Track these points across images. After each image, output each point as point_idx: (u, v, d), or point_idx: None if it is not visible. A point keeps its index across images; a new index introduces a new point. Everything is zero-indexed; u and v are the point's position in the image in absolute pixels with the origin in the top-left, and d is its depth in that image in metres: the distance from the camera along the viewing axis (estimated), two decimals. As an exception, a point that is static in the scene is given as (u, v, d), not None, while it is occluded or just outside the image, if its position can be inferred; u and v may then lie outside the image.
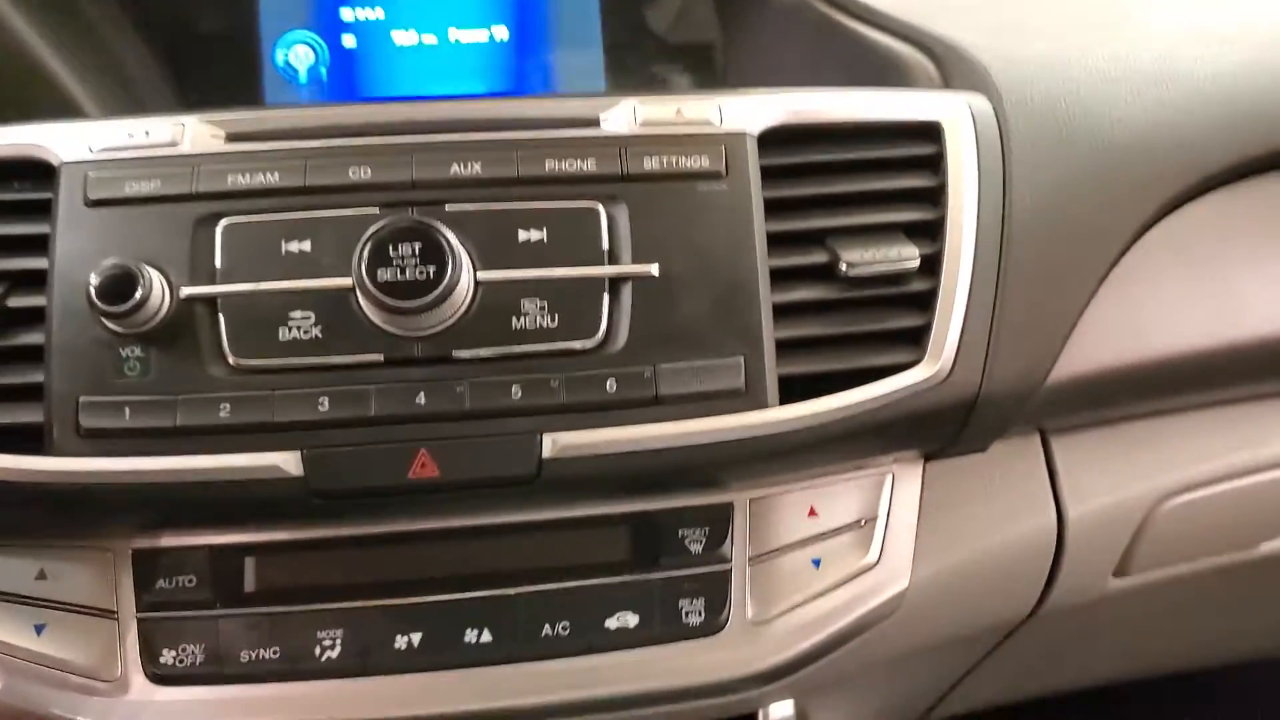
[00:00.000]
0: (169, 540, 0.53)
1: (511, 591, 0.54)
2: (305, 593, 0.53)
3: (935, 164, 0.55)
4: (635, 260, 0.51)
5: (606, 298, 0.51)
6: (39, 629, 0.52)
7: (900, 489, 0.60)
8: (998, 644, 0.69)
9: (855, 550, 0.58)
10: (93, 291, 0.46)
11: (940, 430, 0.56)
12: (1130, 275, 0.61)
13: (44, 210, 0.50)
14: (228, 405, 0.48)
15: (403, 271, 0.47)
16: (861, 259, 0.53)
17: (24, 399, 0.49)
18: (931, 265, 0.54)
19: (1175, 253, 0.63)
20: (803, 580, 0.57)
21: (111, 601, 0.52)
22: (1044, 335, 0.58)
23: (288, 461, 0.48)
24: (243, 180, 0.51)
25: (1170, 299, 0.62)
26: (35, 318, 0.49)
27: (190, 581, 0.53)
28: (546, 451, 0.49)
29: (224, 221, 0.50)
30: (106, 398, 0.48)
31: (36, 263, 0.50)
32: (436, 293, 0.47)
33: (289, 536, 0.54)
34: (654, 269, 0.51)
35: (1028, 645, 0.70)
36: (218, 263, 0.50)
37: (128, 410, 0.48)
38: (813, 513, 0.58)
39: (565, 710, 0.54)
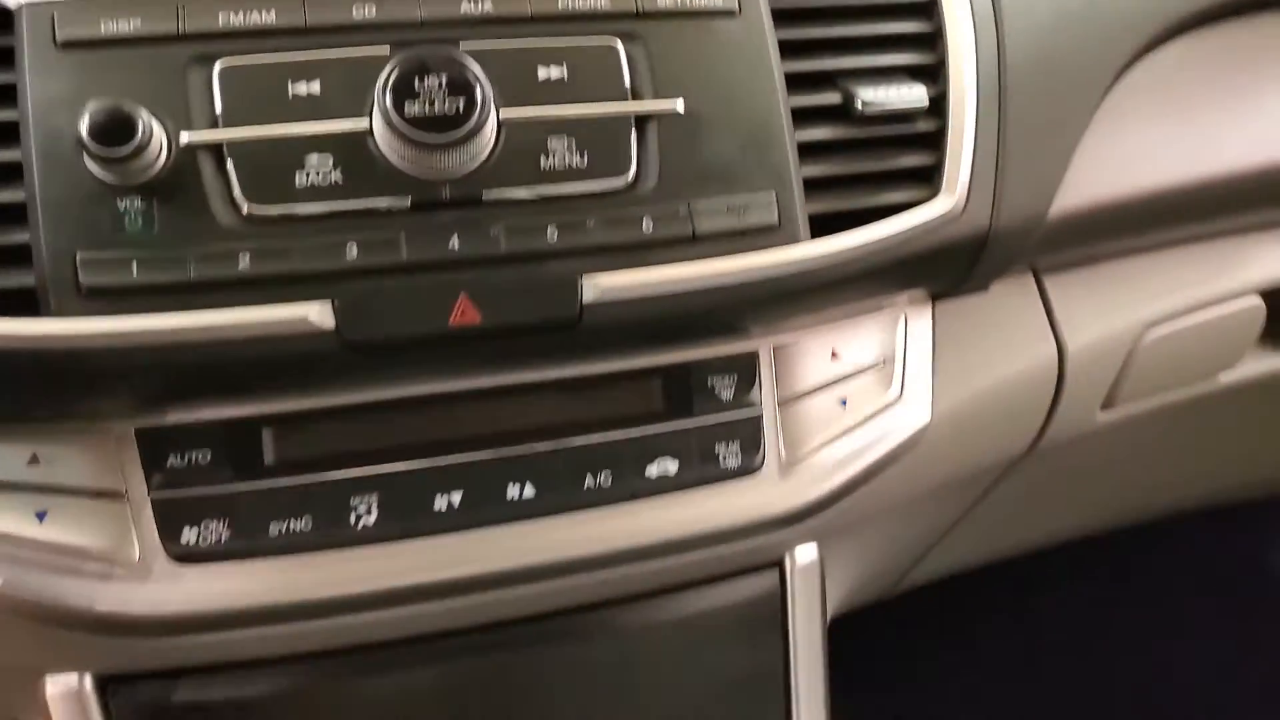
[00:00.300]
0: (175, 418, 0.49)
1: (551, 445, 0.52)
2: (332, 460, 0.50)
3: (930, 9, 0.56)
4: (658, 97, 0.50)
5: (634, 135, 0.49)
6: (40, 516, 0.47)
7: (914, 329, 0.60)
8: (987, 490, 0.72)
9: (878, 388, 0.59)
10: (84, 133, 0.41)
11: (955, 265, 0.57)
12: (1113, 115, 0.63)
13: (6, 59, 0.45)
14: (247, 255, 0.44)
15: (431, 105, 0.44)
16: (875, 97, 0.53)
17: (11, 263, 0.44)
18: (938, 105, 0.54)
19: (1151, 94, 0.65)
20: (831, 420, 0.57)
21: (118, 483, 0.48)
22: (1044, 170, 0.59)
23: (317, 313, 0.45)
24: (235, 19, 0.46)
25: (1151, 138, 0.64)
26: (12, 174, 0.44)
27: (204, 457, 0.49)
28: (587, 295, 0.48)
29: (220, 64, 0.45)
30: (109, 253, 0.43)
31: (4, 115, 0.44)
32: (470, 125, 0.44)
33: (310, 405, 0.50)
34: (679, 105, 0.49)
35: (1012, 492, 0.74)
36: (218, 108, 0.45)
37: (135, 265, 0.44)
38: (835, 356, 0.58)
39: (608, 561, 0.53)
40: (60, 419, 0.48)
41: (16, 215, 0.44)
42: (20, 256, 0.44)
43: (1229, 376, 0.75)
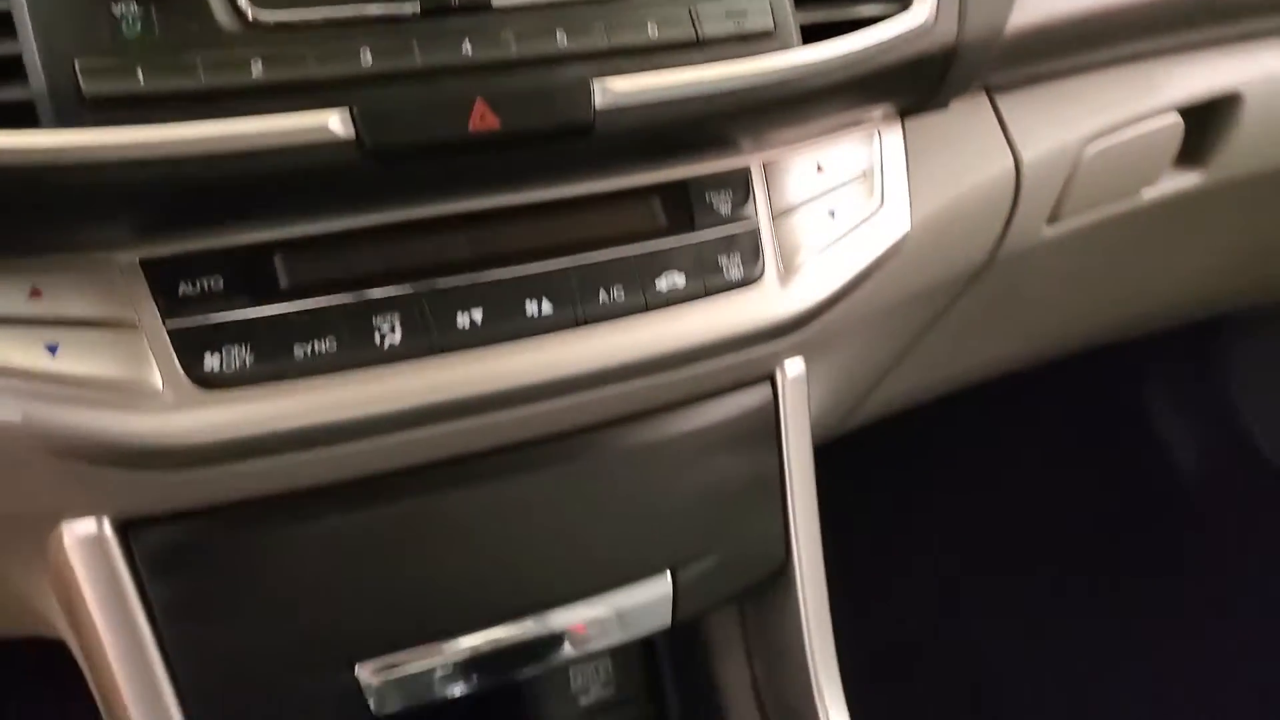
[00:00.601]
0: (183, 246, 0.47)
1: (565, 262, 0.53)
2: (351, 283, 0.49)
3: None
4: None
5: None
6: (52, 349, 0.45)
7: (888, 143, 0.63)
8: (945, 309, 0.76)
9: (862, 199, 0.61)
10: None
11: (927, 77, 0.59)
12: None
13: None
14: (259, 62, 0.43)
15: None
16: None
17: (2, 76, 0.41)
18: None
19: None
20: (822, 230, 0.59)
21: (129, 313, 0.46)
22: None
23: (337, 121, 0.44)
24: None
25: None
26: None
27: (217, 283, 0.48)
28: (599, 99, 0.48)
29: None
30: (110, 60, 0.41)
31: None
32: None
33: (323, 229, 0.49)
34: None
35: (965, 313, 0.78)
36: None
37: (141, 71, 0.41)
38: (820, 170, 0.60)
39: (624, 373, 0.55)
40: (59, 249, 0.46)
41: (3, 24, 0.41)
42: (11, 70, 0.41)
43: (1151, 193, 0.81)
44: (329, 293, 0.49)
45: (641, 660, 0.78)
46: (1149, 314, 1.09)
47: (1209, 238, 0.97)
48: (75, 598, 0.52)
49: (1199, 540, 1.62)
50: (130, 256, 0.47)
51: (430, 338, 0.50)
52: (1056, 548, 1.58)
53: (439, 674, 0.58)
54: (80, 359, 0.46)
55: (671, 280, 0.55)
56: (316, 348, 0.49)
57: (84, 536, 0.51)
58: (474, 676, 0.60)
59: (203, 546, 0.53)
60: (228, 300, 0.48)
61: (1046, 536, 1.58)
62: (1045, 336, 0.99)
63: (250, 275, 0.48)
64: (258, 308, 0.48)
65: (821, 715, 0.68)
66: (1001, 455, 1.61)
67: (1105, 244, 0.85)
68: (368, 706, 0.58)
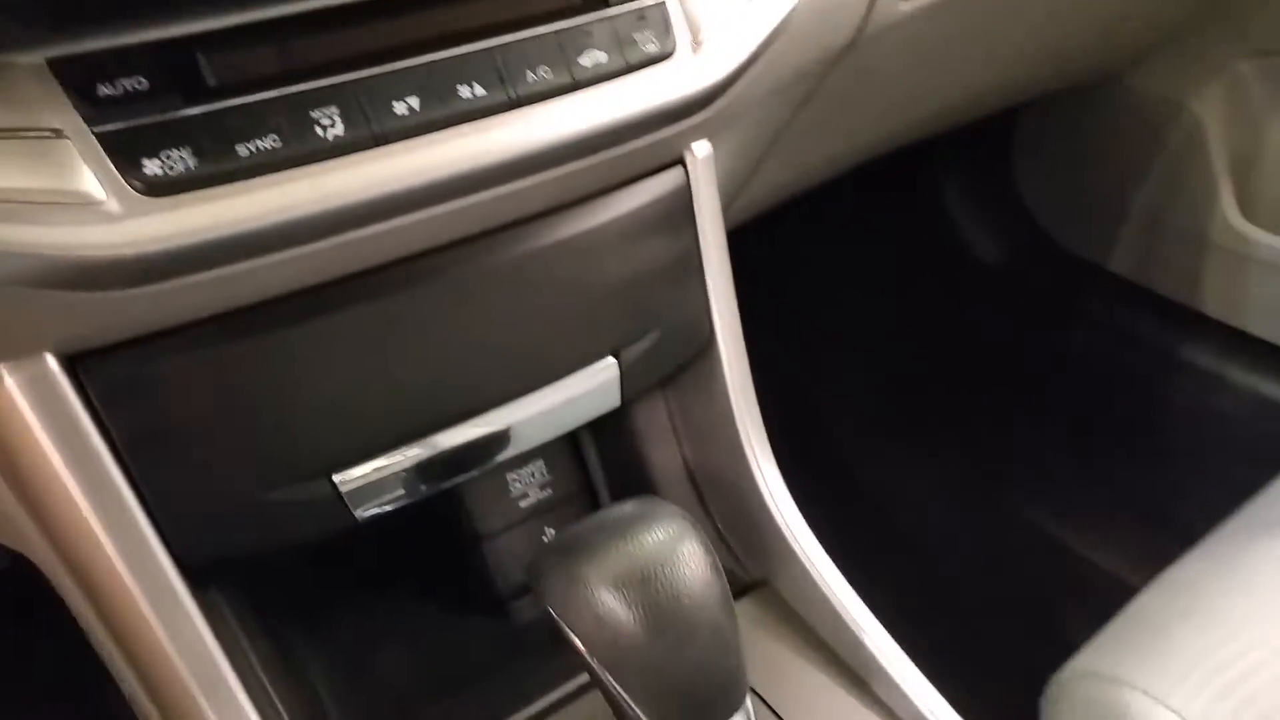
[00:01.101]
0: (89, 44, 0.44)
1: (491, 42, 0.53)
2: (282, 76, 0.47)
3: None
4: None
5: None
6: None
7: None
8: (813, 90, 0.81)
9: None
10: None
11: None
12: None
13: None
14: None
15: None
16: None
17: None
18: None
19: None
20: (723, 4, 0.61)
21: (47, 118, 0.43)
22: None
23: None
24: None
25: None
26: None
27: (140, 83, 0.45)
28: None
29: None
30: None
31: None
32: None
33: (241, 19, 0.47)
34: None
35: (829, 93, 0.83)
36: None
37: None
38: (713, -55, 0.62)
39: (559, 154, 0.55)
40: None
41: None
42: None
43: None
44: (261, 89, 0.47)
45: (574, 461, 0.81)
46: (972, 100, 1.18)
47: (1025, 27, 1.05)
48: (28, 452, 0.49)
49: (1006, 326, 1.83)
50: (33, 58, 0.43)
51: (371, 127, 0.49)
52: (885, 338, 1.81)
53: (411, 473, 0.60)
54: (9, 173, 0.42)
55: (594, 57, 0.56)
56: (259, 145, 0.47)
57: (29, 378, 0.48)
58: (453, 469, 0.62)
59: (158, 373, 0.51)
60: (154, 102, 0.45)
61: (873, 329, 1.83)
62: (888, 125, 1.06)
63: (174, 73, 0.45)
64: (189, 108, 0.45)
65: (758, 479, 0.74)
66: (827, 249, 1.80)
67: (944, 29, 0.91)
68: (347, 512, 0.58)
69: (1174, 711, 0.68)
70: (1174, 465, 1.53)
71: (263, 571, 0.63)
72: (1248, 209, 1.41)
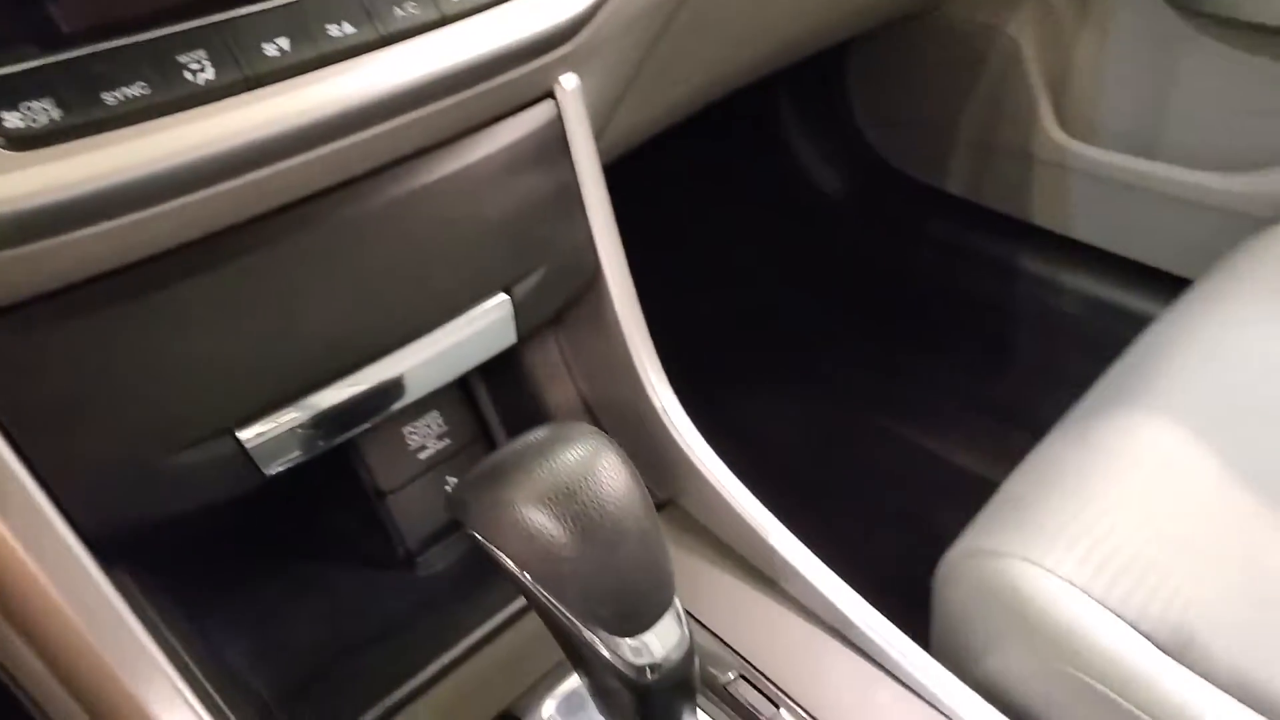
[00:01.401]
0: None
1: None
2: (141, 21, 0.46)
3: None
4: None
5: None
6: None
7: None
8: (659, 34, 0.82)
9: None
10: None
11: None
12: None
13: None
14: None
15: None
16: None
17: None
18: None
19: None
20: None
21: None
22: None
23: None
24: None
25: None
26: None
27: None
28: None
29: None
30: None
31: None
32: None
33: None
34: None
35: (686, 25, 0.85)
36: None
37: None
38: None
39: (428, 92, 0.55)
40: None
41: None
42: None
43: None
44: (122, 34, 0.45)
45: (468, 409, 0.81)
46: (814, 32, 1.22)
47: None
48: None
49: (853, 252, 1.92)
50: None
51: (242, 70, 0.48)
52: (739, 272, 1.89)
53: (315, 423, 0.59)
54: None
55: None
56: (127, 93, 0.45)
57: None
58: (361, 414, 0.61)
59: (40, 340, 0.48)
60: (7, 52, 0.42)
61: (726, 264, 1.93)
62: (741, 56, 1.09)
63: (24, 21, 0.43)
64: (44, 57, 0.43)
65: (656, 404, 0.76)
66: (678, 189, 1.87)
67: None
68: (255, 469, 0.57)
69: (1049, 571, 0.75)
70: (1019, 366, 1.65)
71: (168, 548, 0.61)
72: (1065, 123, 1.52)
